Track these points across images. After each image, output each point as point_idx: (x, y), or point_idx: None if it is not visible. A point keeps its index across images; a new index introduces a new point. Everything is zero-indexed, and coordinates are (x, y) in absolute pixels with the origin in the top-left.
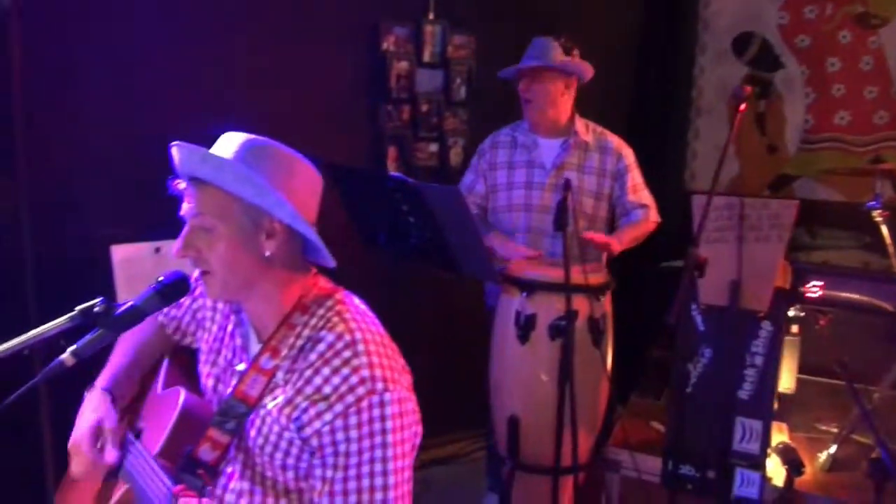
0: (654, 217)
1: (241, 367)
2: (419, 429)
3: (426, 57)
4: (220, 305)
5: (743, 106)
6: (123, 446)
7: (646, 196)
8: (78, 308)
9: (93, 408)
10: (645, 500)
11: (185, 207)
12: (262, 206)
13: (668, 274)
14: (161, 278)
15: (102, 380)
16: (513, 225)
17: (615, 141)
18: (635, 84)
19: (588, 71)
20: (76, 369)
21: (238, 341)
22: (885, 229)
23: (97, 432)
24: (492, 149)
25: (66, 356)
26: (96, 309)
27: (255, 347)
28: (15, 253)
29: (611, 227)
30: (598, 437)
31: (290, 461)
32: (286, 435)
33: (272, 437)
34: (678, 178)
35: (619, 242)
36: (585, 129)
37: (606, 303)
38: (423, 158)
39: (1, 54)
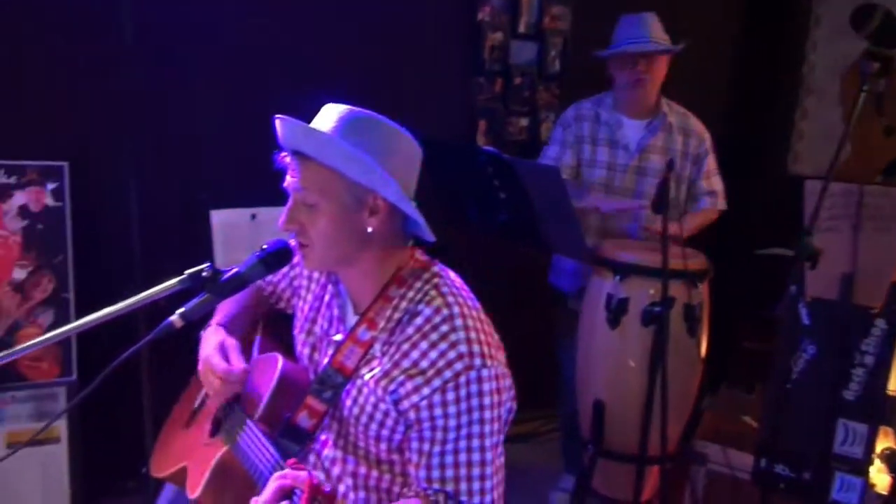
0: (720, 205)
1: (338, 337)
2: (513, 405)
3: (521, 27)
4: (316, 275)
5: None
6: (248, 362)
7: (717, 182)
8: (187, 272)
9: (213, 334)
10: (732, 496)
11: (289, 180)
12: (367, 185)
13: (764, 261)
14: (265, 246)
15: (216, 319)
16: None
17: (697, 124)
18: (739, 59)
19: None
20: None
21: (335, 311)
22: None
23: (221, 349)
24: (576, 121)
25: (174, 318)
26: (204, 274)
27: (351, 319)
28: (122, 215)
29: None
30: (685, 428)
31: (385, 432)
32: (382, 406)
33: (368, 408)
34: (780, 160)
35: (684, 231)
36: (669, 110)
37: (704, 290)
38: (514, 133)
39: (114, 31)
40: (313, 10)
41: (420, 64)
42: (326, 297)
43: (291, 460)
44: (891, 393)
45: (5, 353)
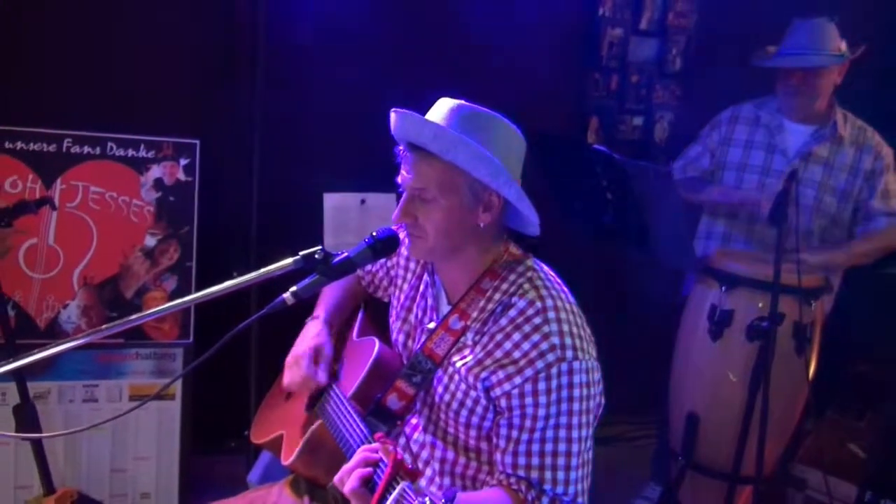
0: None
1: (431, 325)
2: (603, 400)
3: (643, 24)
4: (412, 265)
5: None
6: (331, 375)
7: None
8: (301, 253)
9: (315, 333)
10: None
11: (405, 176)
12: (488, 184)
13: (888, 281)
14: (374, 233)
15: (322, 312)
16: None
17: (876, 138)
18: None
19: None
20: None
21: (430, 301)
22: None
23: (316, 353)
24: (730, 123)
25: (287, 295)
26: (316, 256)
27: (445, 308)
28: (245, 192)
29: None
30: (785, 450)
31: (475, 419)
32: (472, 394)
33: (458, 395)
34: None
35: (848, 256)
36: (844, 122)
37: (818, 308)
38: (626, 132)
39: (246, 21)
40: (428, 6)
41: (535, 57)
42: (421, 287)
43: (379, 434)
44: None
45: (137, 316)
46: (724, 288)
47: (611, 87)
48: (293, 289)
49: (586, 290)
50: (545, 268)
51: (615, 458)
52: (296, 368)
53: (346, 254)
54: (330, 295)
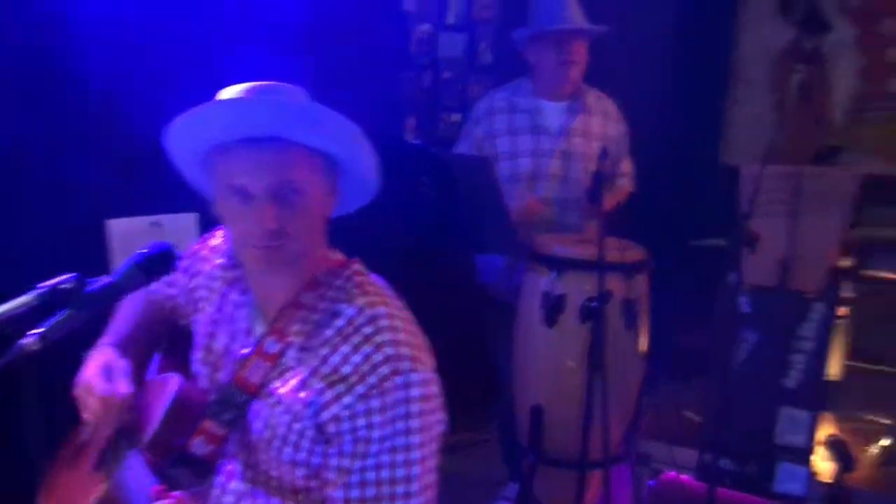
0: (629, 186)
1: (245, 350)
2: (444, 416)
3: (450, 19)
4: (215, 284)
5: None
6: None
7: (628, 164)
8: (41, 285)
9: (98, 356)
10: (678, 493)
11: (250, 179)
12: (343, 162)
13: (697, 253)
14: (144, 250)
15: (107, 339)
16: (518, 196)
17: (613, 106)
18: (670, 47)
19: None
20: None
21: (241, 324)
22: None
23: (106, 369)
24: (488, 115)
25: (27, 340)
26: (66, 286)
27: (258, 329)
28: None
29: None
30: (629, 426)
31: (302, 455)
32: (296, 426)
33: (280, 430)
34: (711, 148)
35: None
36: (587, 92)
37: (643, 282)
38: (445, 129)
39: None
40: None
41: (345, 57)
42: (228, 308)
43: (155, 488)
44: (831, 378)
45: None
46: (554, 273)
47: (424, 84)
48: (38, 330)
49: (407, 293)
50: (370, 274)
51: (469, 464)
52: (89, 396)
53: (107, 279)
54: (117, 325)
